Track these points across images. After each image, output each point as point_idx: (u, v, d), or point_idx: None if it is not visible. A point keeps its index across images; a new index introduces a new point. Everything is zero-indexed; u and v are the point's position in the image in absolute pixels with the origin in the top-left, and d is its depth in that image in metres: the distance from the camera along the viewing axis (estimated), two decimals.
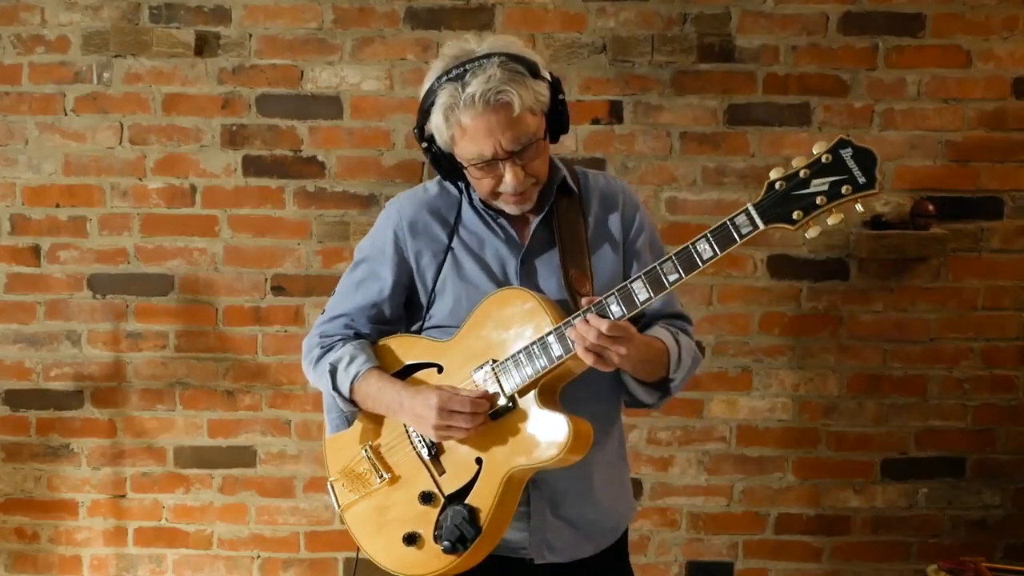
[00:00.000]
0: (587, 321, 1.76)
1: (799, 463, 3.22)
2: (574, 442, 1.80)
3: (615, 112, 3.13)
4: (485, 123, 1.82)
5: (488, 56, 1.83)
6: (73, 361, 3.24)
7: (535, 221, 1.98)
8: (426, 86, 1.90)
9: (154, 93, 3.16)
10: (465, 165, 1.90)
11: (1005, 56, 3.08)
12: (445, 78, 1.85)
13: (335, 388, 2.00)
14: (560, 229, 1.96)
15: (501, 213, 1.98)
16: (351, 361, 1.99)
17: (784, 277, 3.16)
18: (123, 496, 3.28)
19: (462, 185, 2.00)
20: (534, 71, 1.86)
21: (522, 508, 1.94)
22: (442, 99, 1.85)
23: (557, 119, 1.92)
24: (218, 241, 3.20)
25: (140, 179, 3.19)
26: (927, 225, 3.02)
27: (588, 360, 1.78)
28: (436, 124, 1.88)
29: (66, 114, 3.17)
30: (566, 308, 1.88)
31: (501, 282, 1.96)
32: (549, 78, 1.90)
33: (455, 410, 1.85)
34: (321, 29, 3.13)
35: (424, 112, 1.91)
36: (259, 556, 3.29)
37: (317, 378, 2.06)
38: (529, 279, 1.96)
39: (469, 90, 1.81)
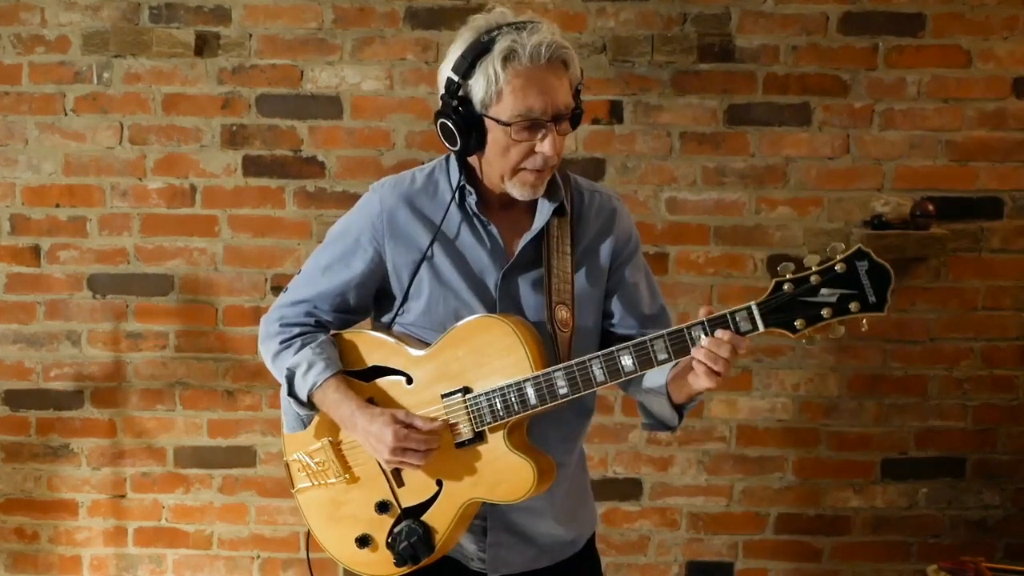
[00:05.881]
0: (719, 338, 1.67)
1: (799, 463, 3.22)
2: (538, 485, 1.80)
3: (615, 112, 3.12)
4: (542, 78, 1.74)
5: (536, 21, 1.77)
6: (73, 361, 3.24)
7: (526, 237, 1.89)
8: (464, 44, 1.77)
9: (154, 93, 3.16)
10: (506, 121, 1.76)
11: (1005, 56, 3.08)
12: (498, 31, 1.74)
13: (292, 394, 1.95)
14: (548, 249, 1.89)
15: (497, 217, 1.90)
16: (309, 368, 1.91)
17: None
18: (123, 496, 3.28)
19: (460, 178, 1.88)
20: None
21: (477, 522, 1.92)
22: (503, 44, 1.72)
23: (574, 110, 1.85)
24: (218, 241, 3.19)
25: (140, 179, 3.19)
26: (927, 225, 3.02)
27: (708, 379, 1.69)
28: (487, 74, 1.74)
29: (66, 114, 3.17)
30: (543, 332, 1.84)
31: (480, 289, 1.89)
32: None
33: (409, 448, 1.82)
34: (321, 29, 3.13)
35: (469, 63, 1.76)
36: (259, 556, 3.29)
37: (275, 372, 2.01)
38: (509, 294, 1.89)
39: (534, 39, 1.72)
